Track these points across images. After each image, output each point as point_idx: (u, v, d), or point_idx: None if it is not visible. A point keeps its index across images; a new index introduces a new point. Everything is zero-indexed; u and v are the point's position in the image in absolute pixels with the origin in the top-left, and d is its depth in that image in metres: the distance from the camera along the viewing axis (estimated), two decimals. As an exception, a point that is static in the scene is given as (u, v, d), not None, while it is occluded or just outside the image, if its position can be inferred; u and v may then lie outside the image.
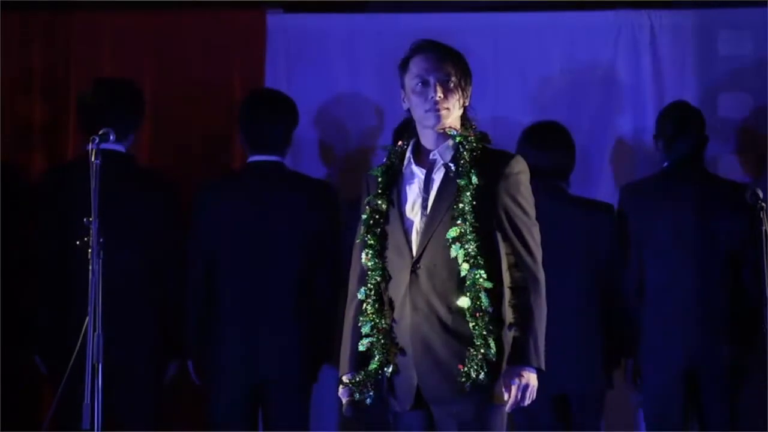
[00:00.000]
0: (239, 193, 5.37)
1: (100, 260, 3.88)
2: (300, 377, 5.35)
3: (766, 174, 5.68)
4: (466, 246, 3.81)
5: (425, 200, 3.91)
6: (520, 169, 3.94)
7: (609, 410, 5.55)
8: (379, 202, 3.94)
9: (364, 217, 3.95)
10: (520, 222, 3.90)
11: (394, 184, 3.96)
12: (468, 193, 3.84)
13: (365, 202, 3.97)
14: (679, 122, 5.49)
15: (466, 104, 3.98)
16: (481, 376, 3.76)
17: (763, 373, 4.99)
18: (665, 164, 5.51)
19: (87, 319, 3.85)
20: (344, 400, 3.93)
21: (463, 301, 3.81)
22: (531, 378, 3.84)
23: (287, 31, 5.92)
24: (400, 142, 4.03)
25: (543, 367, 3.86)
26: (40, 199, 5.34)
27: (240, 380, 5.28)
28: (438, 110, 3.90)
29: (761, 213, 4.24)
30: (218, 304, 5.32)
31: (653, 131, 5.57)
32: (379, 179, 3.96)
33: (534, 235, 3.92)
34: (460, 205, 3.84)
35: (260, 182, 5.38)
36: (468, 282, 3.81)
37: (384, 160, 4.02)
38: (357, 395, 3.88)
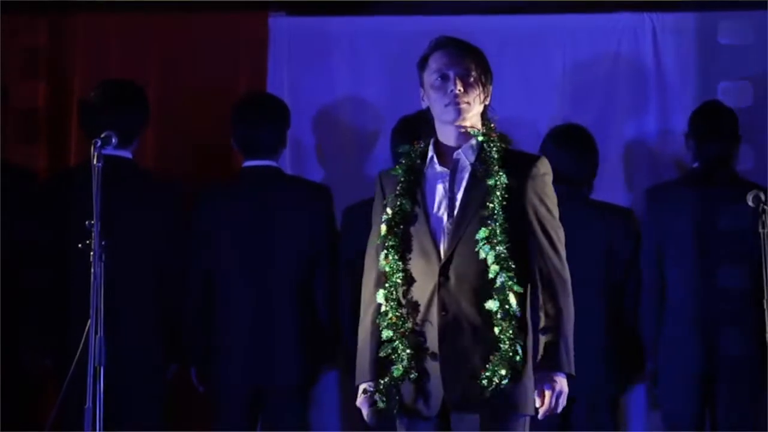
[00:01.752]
0: (235, 198, 5.38)
1: (102, 264, 3.87)
2: (300, 381, 5.35)
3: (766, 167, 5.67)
4: (497, 247, 3.75)
5: (451, 201, 3.83)
6: (546, 170, 3.91)
7: (625, 412, 5.57)
8: (403, 202, 3.84)
9: (385, 217, 3.84)
10: (548, 223, 3.86)
11: (416, 185, 3.87)
12: (498, 194, 3.78)
13: (384, 202, 3.88)
14: (712, 122, 5.45)
15: (487, 102, 3.91)
16: (505, 381, 3.70)
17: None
18: (695, 165, 5.49)
19: (89, 322, 3.86)
20: (366, 410, 3.83)
21: (492, 304, 3.74)
22: (563, 384, 3.79)
23: (290, 34, 5.93)
24: (416, 142, 3.94)
25: (573, 372, 3.80)
26: (44, 203, 5.34)
27: (241, 385, 5.29)
28: (458, 104, 3.82)
29: (763, 216, 4.23)
30: (218, 310, 5.33)
31: (685, 130, 5.54)
32: (402, 179, 3.87)
33: (560, 237, 3.88)
34: (491, 206, 3.77)
35: (256, 187, 5.39)
36: (497, 284, 3.75)
37: (402, 160, 3.92)
38: (382, 403, 3.77)
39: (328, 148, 5.92)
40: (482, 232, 3.76)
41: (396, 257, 3.81)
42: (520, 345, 3.73)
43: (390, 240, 3.83)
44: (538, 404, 3.78)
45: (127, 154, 5.33)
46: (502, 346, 3.72)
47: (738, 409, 5.33)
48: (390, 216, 3.84)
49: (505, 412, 3.77)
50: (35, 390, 5.55)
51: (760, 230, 4.23)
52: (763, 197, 4.23)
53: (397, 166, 3.92)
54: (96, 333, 3.84)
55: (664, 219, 5.42)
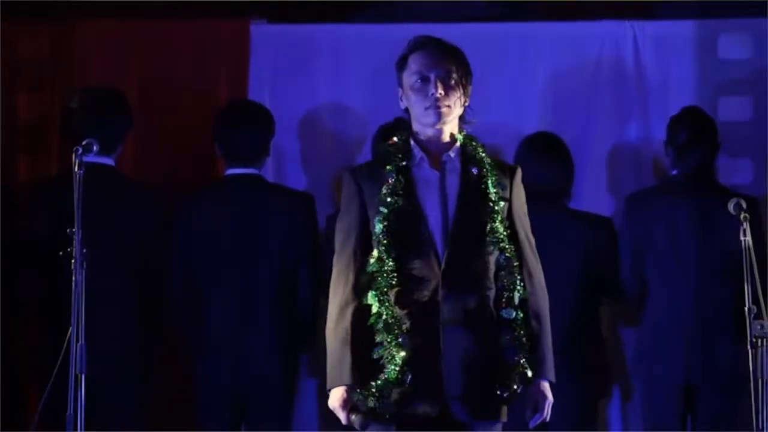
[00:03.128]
0: (217, 205, 5.37)
1: (83, 271, 3.86)
2: (282, 384, 5.35)
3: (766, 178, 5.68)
4: (506, 252, 3.76)
5: (445, 202, 3.78)
6: (521, 179, 3.94)
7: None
8: (399, 201, 3.76)
9: (380, 217, 3.73)
10: (529, 231, 3.89)
11: (409, 185, 3.78)
12: (497, 197, 3.79)
13: (379, 199, 3.74)
14: (692, 130, 5.43)
15: (467, 103, 3.88)
16: (519, 390, 3.72)
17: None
18: (674, 172, 5.49)
19: (70, 329, 3.84)
20: (345, 413, 3.73)
21: (508, 312, 3.75)
22: (549, 391, 3.82)
23: (271, 42, 5.92)
24: (394, 139, 3.87)
25: (554, 379, 3.83)
26: (30, 212, 5.34)
27: (223, 386, 5.29)
28: (439, 107, 3.78)
29: (744, 223, 4.24)
30: (200, 315, 5.33)
31: (664, 137, 5.54)
32: (392, 178, 3.77)
33: (534, 246, 3.91)
34: (496, 208, 3.77)
35: (238, 194, 5.38)
36: (513, 293, 3.75)
37: (390, 159, 3.81)
38: (378, 406, 3.67)
39: (310, 155, 5.92)
40: (490, 236, 3.76)
41: (391, 258, 3.72)
42: (526, 355, 3.75)
43: (385, 239, 3.73)
44: (529, 412, 3.79)
45: (109, 161, 5.33)
46: (513, 354, 3.73)
47: (720, 417, 5.33)
48: (385, 215, 3.75)
49: (496, 419, 3.79)
50: (35, 390, 5.52)
51: (741, 238, 4.23)
52: (744, 205, 4.24)
53: (390, 164, 3.80)
54: (77, 341, 3.83)
55: (642, 226, 5.43)
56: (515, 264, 3.79)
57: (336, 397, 3.76)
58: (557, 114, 5.84)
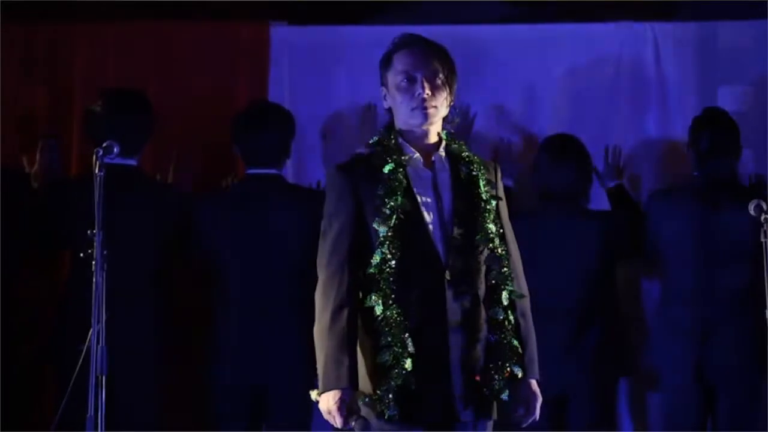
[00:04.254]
0: (237, 205, 5.38)
1: (104, 273, 3.87)
2: (300, 381, 5.35)
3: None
4: (498, 251, 3.75)
5: (438, 203, 3.75)
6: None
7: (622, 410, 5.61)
8: (403, 201, 3.69)
9: (382, 216, 3.65)
10: (511, 229, 3.89)
11: (408, 184, 3.73)
12: (490, 197, 3.78)
13: (380, 198, 3.67)
14: (714, 136, 5.40)
15: (452, 102, 3.84)
16: (505, 395, 3.73)
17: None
18: (695, 173, 5.48)
19: (90, 331, 3.86)
20: (354, 419, 3.68)
21: (498, 311, 3.75)
22: (538, 389, 3.83)
23: (291, 44, 5.93)
24: (377, 138, 3.81)
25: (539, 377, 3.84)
26: (44, 211, 5.36)
27: (240, 385, 5.32)
28: (426, 108, 3.74)
29: (765, 225, 4.23)
30: (219, 312, 5.36)
31: (686, 137, 5.52)
32: (399, 177, 3.72)
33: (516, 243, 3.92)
34: (488, 207, 3.76)
35: (257, 194, 5.40)
36: (502, 293, 3.75)
37: (386, 158, 3.75)
38: (387, 411, 3.62)
39: (330, 156, 5.92)
40: (481, 236, 3.74)
41: (395, 258, 3.66)
42: (516, 355, 3.75)
43: (388, 240, 3.66)
44: (520, 411, 3.79)
45: (132, 162, 5.35)
46: (506, 353, 3.73)
47: (739, 416, 5.32)
48: (388, 214, 3.68)
49: (490, 416, 3.79)
50: (35, 390, 5.56)
51: (762, 240, 4.23)
52: (764, 206, 4.23)
53: (388, 164, 3.73)
54: (98, 342, 3.84)
55: (664, 224, 5.43)
56: (506, 263, 3.77)
57: (332, 400, 3.67)
58: (576, 114, 5.84)
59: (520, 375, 3.76)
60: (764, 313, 4.23)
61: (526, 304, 3.85)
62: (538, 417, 3.83)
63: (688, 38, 5.86)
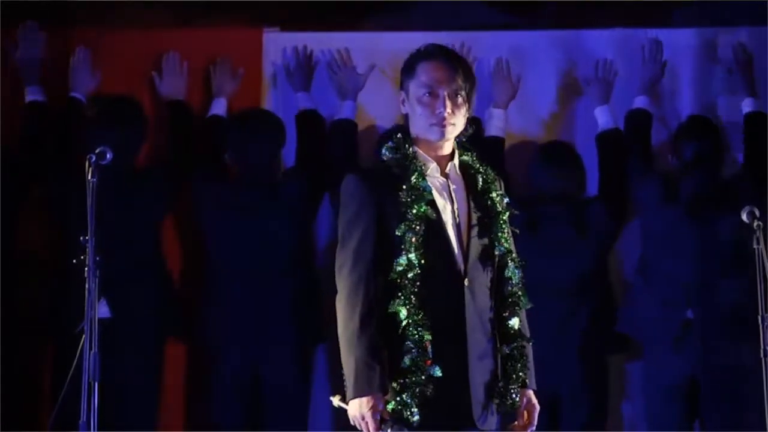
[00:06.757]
0: (232, 208, 5.44)
1: (97, 279, 3.87)
2: (297, 370, 5.43)
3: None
4: (513, 262, 3.79)
5: (454, 212, 3.76)
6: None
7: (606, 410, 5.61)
8: (426, 209, 3.70)
9: (406, 224, 3.65)
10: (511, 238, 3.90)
11: (430, 193, 3.74)
12: (504, 209, 3.82)
13: (404, 205, 3.68)
14: (697, 147, 5.43)
15: (470, 115, 3.84)
16: (517, 399, 3.76)
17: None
18: (682, 177, 5.48)
19: (83, 337, 3.85)
20: (389, 426, 3.65)
21: (515, 322, 3.78)
22: (536, 400, 3.84)
23: (284, 50, 5.92)
24: (393, 145, 3.81)
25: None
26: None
27: (240, 373, 5.37)
28: (444, 126, 3.75)
29: (758, 231, 4.24)
30: (218, 305, 5.41)
31: (670, 148, 5.57)
32: (428, 187, 3.72)
33: None
34: (504, 218, 3.80)
35: (250, 204, 5.43)
36: (519, 302, 3.79)
37: (407, 164, 3.76)
38: (411, 417, 3.62)
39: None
40: (501, 247, 3.79)
41: (419, 265, 3.66)
42: (525, 367, 3.78)
43: (414, 246, 3.67)
44: (519, 422, 3.80)
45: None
46: (517, 364, 3.77)
47: (727, 420, 5.32)
48: (412, 221, 3.69)
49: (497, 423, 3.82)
50: (35, 390, 5.57)
51: (755, 246, 4.23)
52: (757, 213, 4.24)
53: (414, 173, 3.73)
54: (90, 348, 3.83)
55: (653, 229, 5.46)
56: (521, 275, 3.81)
57: (366, 406, 3.66)
58: (572, 119, 5.84)
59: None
60: (757, 319, 4.25)
61: (523, 317, 3.88)
62: (535, 427, 3.84)
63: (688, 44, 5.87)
